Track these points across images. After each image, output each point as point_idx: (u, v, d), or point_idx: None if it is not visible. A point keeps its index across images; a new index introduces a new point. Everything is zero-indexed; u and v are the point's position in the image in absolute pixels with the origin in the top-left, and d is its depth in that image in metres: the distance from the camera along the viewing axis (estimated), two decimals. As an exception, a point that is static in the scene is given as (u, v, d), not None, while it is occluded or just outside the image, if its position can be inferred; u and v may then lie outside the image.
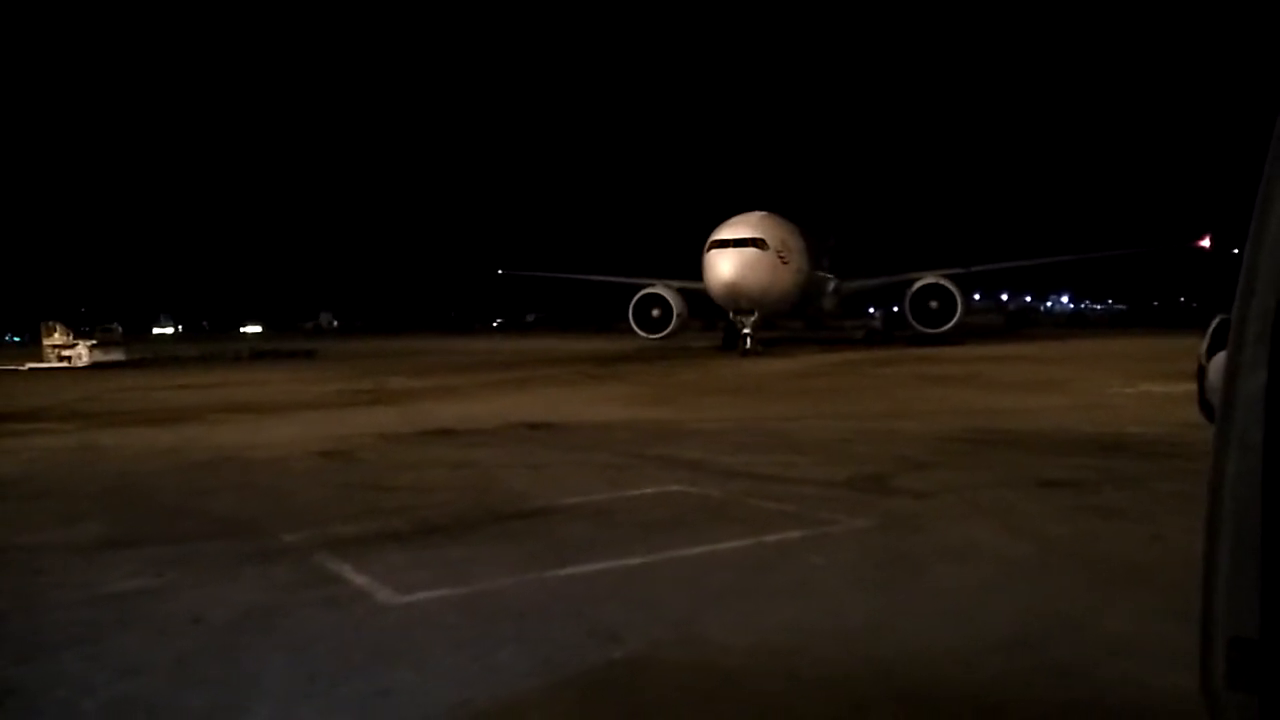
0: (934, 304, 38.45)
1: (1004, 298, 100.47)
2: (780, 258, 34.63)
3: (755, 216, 36.20)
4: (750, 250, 33.74)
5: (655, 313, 40.58)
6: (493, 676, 4.23)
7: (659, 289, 40.94)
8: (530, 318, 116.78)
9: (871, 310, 54.70)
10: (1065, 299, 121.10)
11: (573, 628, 4.81)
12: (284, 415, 16.55)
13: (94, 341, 37.44)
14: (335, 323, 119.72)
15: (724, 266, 33.34)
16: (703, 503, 8.02)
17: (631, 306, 41.47)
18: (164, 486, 9.44)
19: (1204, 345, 2.21)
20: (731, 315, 35.81)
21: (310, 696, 4.09)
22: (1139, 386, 18.08)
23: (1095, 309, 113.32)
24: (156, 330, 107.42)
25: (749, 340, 34.01)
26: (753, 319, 34.09)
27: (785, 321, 47.38)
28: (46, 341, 38.06)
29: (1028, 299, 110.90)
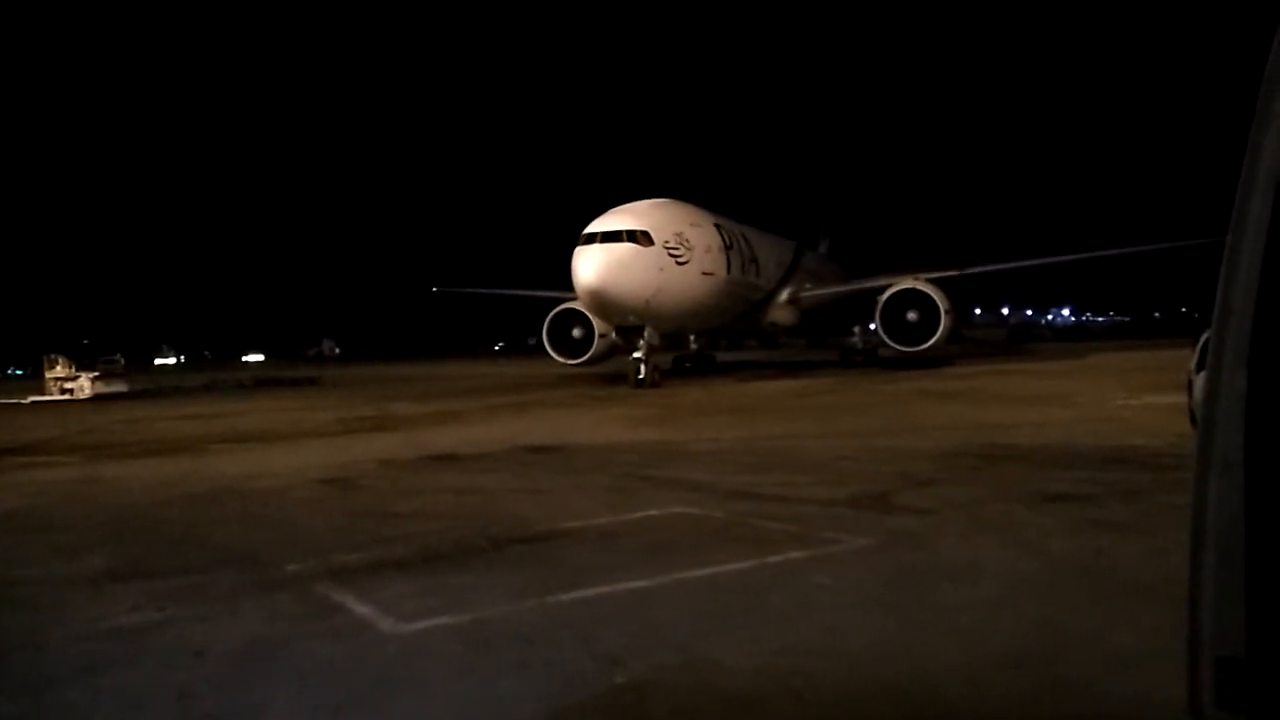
0: (912, 315, 30.03)
1: (1005, 312, 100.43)
2: (673, 256, 25.94)
3: (645, 204, 27.85)
4: (624, 246, 25.04)
5: (577, 333, 32.39)
6: (495, 704, 4.21)
7: (579, 304, 30.13)
8: (532, 340, 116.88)
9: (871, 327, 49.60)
10: (1067, 311, 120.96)
11: (576, 653, 4.79)
12: (287, 444, 16.55)
13: (96, 373, 37.69)
14: (338, 350, 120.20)
15: (584, 268, 24.79)
16: (705, 524, 7.99)
17: (546, 325, 33.19)
18: (167, 518, 9.43)
19: (1193, 360, 2.22)
20: (614, 335, 28.11)
21: (313, 728, 4.07)
22: (1142, 398, 18.06)
23: (1098, 321, 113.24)
24: (159, 361, 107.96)
25: (641, 368, 26.26)
26: (643, 339, 26.32)
27: (804, 341, 42.28)
28: (49, 374, 38.28)
29: (1029, 313, 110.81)
